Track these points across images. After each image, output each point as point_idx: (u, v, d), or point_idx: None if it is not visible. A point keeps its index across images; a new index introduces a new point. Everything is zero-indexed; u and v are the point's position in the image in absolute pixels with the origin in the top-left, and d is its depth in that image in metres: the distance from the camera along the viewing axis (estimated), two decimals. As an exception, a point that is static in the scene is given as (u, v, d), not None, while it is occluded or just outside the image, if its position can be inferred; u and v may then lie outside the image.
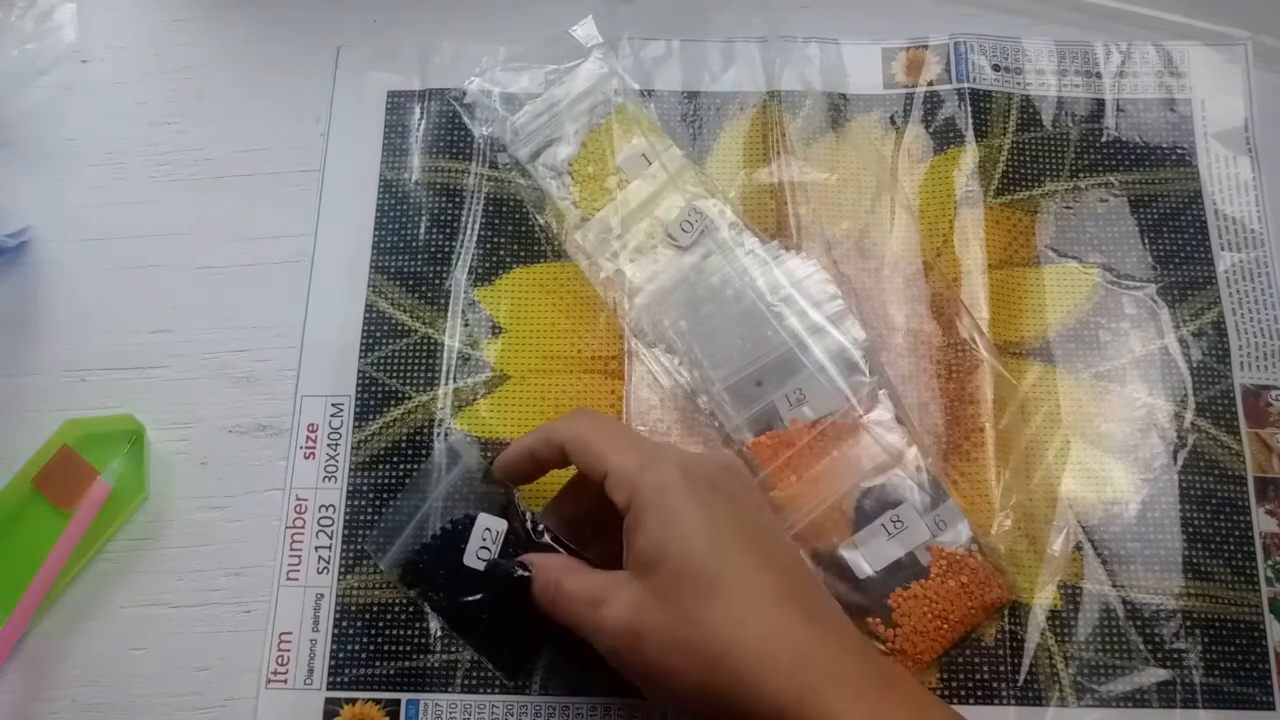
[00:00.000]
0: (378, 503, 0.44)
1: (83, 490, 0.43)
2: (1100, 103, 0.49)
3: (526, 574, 0.37)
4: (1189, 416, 0.44)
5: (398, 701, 0.41)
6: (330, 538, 0.44)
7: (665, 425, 0.45)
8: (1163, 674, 0.40)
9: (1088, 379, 0.45)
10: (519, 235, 0.48)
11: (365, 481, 0.44)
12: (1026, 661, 0.41)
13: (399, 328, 0.47)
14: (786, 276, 0.45)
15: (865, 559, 0.41)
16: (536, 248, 0.48)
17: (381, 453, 0.45)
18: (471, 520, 0.39)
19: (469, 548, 0.39)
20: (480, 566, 0.39)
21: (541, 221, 0.48)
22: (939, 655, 0.41)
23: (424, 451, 0.44)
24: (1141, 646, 0.41)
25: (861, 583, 0.41)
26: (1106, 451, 0.44)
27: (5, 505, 0.43)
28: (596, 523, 0.39)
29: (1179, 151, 0.48)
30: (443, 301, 0.47)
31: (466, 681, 0.41)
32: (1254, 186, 0.47)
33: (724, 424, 0.44)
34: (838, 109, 0.49)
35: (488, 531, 0.39)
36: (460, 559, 0.39)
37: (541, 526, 0.39)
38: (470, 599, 0.39)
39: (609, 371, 0.46)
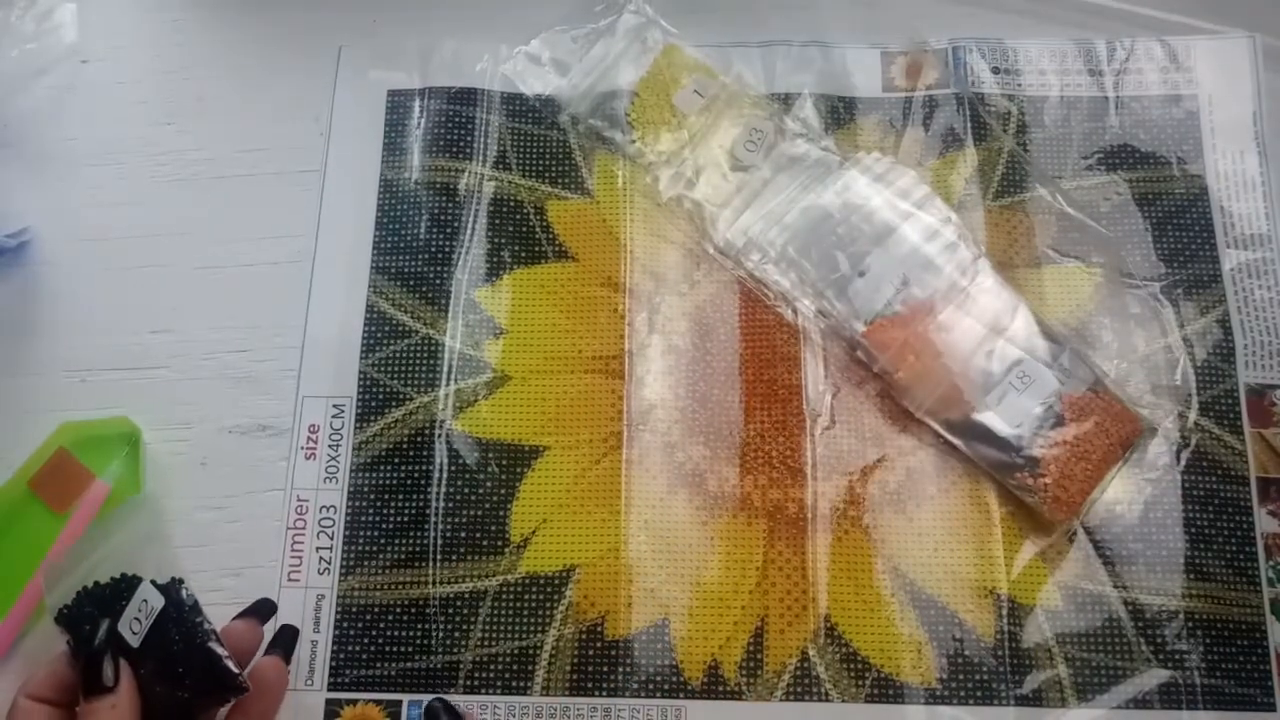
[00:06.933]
0: (379, 504, 0.44)
1: (79, 493, 0.43)
2: (1103, 100, 0.49)
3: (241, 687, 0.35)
4: (1192, 416, 0.44)
5: (399, 702, 0.41)
6: (331, 539, 0.44)
7: (665, 425, 0.44)
8: (1164, 675, 0.40)
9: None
10: (520, 235, 0.48)
11: (366, 482, 0.44)
12: (1027, 662, 0.41)
13: (400, 328, 0.47)
14: (864, 172, 0.46)
15: (1001, 417, 0.42)
16: (537, 248, 0.48)
17: (383, 454, 0.45)
18: (136, 582, 0.36)
19: (126, 614, 0.35)
20: (134, 640, 0.35)
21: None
22: (1088, 496, 0.41)
23: (425, 453, 0.45)
24: (1143, 647, 0.41)
25: (1002, 440, 0.42)
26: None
27: (1, 506, 0.43)
28: None
29: (1184, 148, 0.48)
30: (444, 302, 0.47)
31: (468, 682, 0.41)
32: (1262, 183, 0.47)
33: (834, 319, 0.44)
34: (837, 112, 0.49)
35: (144, 603, 0.35)
36: (115, 621, 0.35)
37: (209, 626, 0.36)
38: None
39: (610, 372, 0.46)
